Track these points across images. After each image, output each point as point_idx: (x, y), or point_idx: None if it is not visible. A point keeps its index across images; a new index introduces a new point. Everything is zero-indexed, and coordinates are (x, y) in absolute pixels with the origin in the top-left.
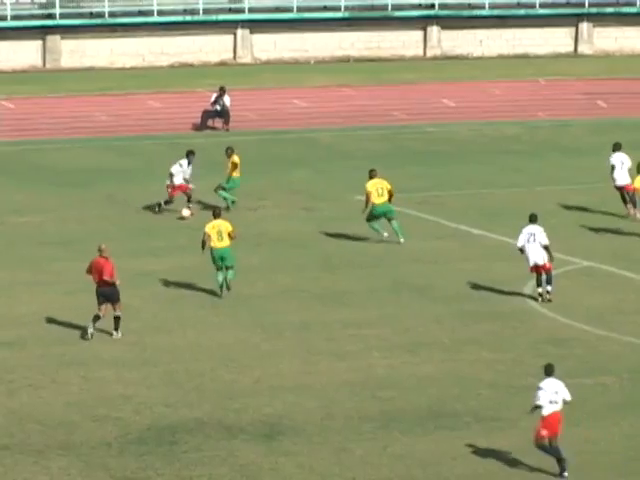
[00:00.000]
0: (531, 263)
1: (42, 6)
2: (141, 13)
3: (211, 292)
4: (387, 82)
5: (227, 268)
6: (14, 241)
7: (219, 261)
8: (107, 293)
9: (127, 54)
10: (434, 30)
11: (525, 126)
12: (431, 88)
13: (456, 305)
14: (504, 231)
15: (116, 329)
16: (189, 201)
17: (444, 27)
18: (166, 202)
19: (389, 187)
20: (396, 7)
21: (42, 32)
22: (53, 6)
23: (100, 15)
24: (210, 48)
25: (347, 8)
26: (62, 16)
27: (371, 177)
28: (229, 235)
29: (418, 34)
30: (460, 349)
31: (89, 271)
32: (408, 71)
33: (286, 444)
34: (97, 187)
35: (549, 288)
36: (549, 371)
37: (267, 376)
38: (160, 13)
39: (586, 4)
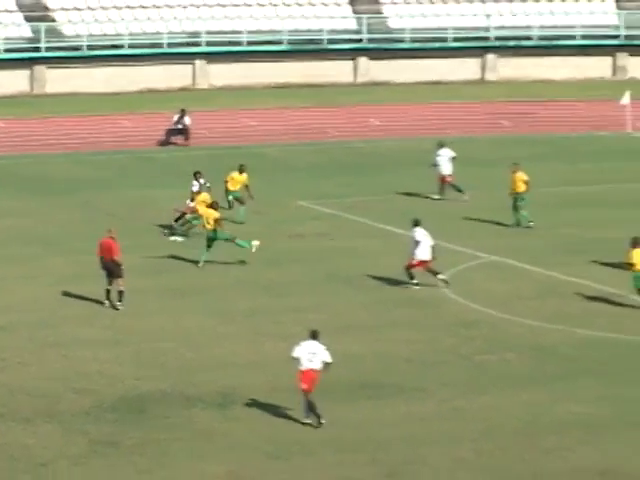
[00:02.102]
0: (421, 258)
1: (30, 41)
2: (114, 46)
3: (174, 284)
4: (323, 104)
5: (226, 240)
6: (3, 241)
7: (207, 240)
8: (112, 269)
9: (102, 81)
10: (363, 60)
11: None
12: (360, 110)
13: (380, 293)
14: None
15: (120, 301)
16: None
17: (371, 58)
18: (176, 220)
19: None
20: (331, 41)
21: (30, 63)
22: (39, 41)
23: (79, 48)
24: (173, 76)
25: (289, 42)
26: (47, 49)
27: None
28: (215, 221)
29: (349, 63)
30: (383, 330)
31: (99, 250)
32: (341, 95)
33: (238, 412)
34: (76, 195)
35: (443, 276)
36: (313, 335)
37: (222, 354)
38: (131, 46)
39: (491, 38)
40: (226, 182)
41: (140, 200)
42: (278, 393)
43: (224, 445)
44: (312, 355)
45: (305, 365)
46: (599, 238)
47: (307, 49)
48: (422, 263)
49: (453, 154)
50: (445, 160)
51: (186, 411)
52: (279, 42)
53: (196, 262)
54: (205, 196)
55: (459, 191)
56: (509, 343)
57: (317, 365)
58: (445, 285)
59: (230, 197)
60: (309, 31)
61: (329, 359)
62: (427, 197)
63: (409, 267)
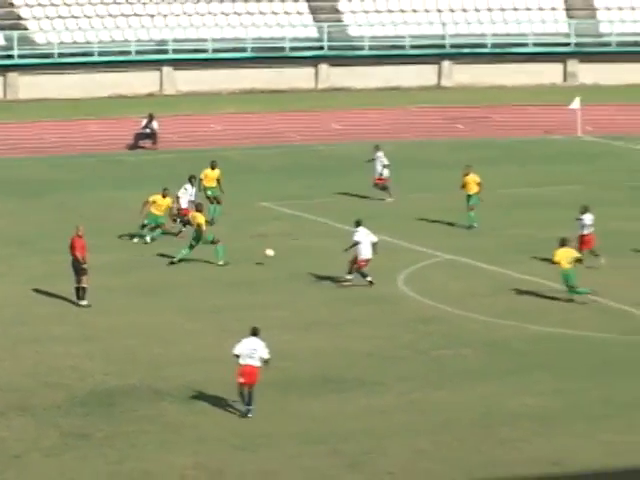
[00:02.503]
0: (364, 257)
1: (3, 48)
2: (84, 54)
3: (143, 282)
4: (285, 110)
5: (212, 243)
6: None
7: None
8: (81, 267)
9: (73, 87)
10: (324, 67)
11: (397, 144)
12: (321, 115)
13: (341, 291)
14: (381, 230)
15: (83, 298)
16: (186, 223)
17: (332, 64)
18: (184, 223)
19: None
20: (293, 48)
21: (3, 70)
22: (12, 48)
23: (51, 55)
24: (141, 82)
25: (252, 49)
26: (20, 57)
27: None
28: (198, 225)
29: (311, 70)
30: (344, 327)
31: (71, 248)
32: (303, 101)
33: (204, 405)
34: (49, 197)
35: (369, 278)
36: (253, 332)
37: (189, 350)
38: (100, 54)
39: (447, 46)
40: (201, 180)
41: (110, 201)
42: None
43: (191, 437)
44: (252, 351)
45: (245, 361)
46: (550, 237)
47: (270, 56)
48: (367, 262)
49: (385, 161)
50: (378, 163)
51: (155, 404)
52: (243, 50)
53: (169, 260)
54: (157, 197)
55: (384, 189)
56: (465, 339)
57: (256, 361)
58: (370, 285)
59: (209, 193)
60: (272, 39)
61: (267, 356)
62: (381, 199)
63: (358, 267)
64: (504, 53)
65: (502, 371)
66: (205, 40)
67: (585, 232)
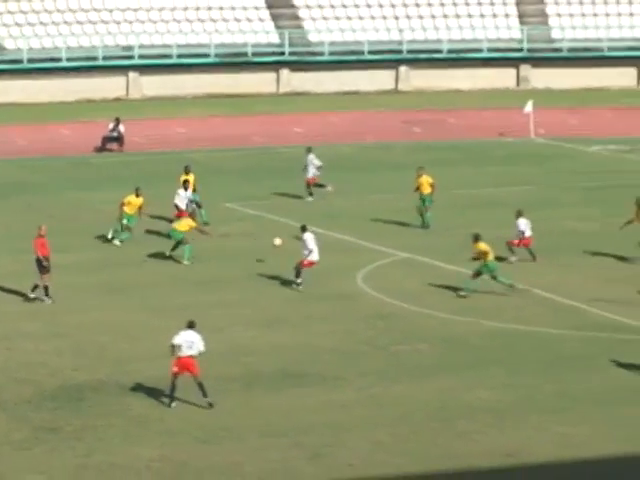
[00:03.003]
0: (312, 259)
1: None
2: (53, 59)
3: (111, 281)
4: (248, 113)
5: (180, 243)
6: None
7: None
8: (42, 265)
9: (42, 92)
10: (285, 72)
11: (356, 147)
12: (283, 118)
13: (303, 288)
14: (340, 230)
15: (47, 295)
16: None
17: (293, 69)
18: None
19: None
20: (254, 54)
21: None
22: None
23: (20, 61)
24: (108, 87)
25: (216, 55)
26: None
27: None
28: (180, 225)
29: (272, 75)
30: (305, 323)
31: (35, 248)
32: (265, 104)
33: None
34: (18, 198)
35: (299, 280)
36: (190, 325)
37: (155, 346)
38: (68, 59)
39: (404, 51)
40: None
41: (78, 203)
42: (207, 382)
43: (157, 431)
44: (191, 343)
45: (184, 352)
46: (504, 236)
47: (232, 62)
48: (311, 264)
49: (318, 162)
50: (311, 166)
51: (122, 399)
52: (207, 55)
53: (136, 260)
54: (132, 197)
55: (321, 186)
56: (422, 334)
57: (194, 352)
58: (297, 288)
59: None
60: (234, 45)
61: (203, 348)
62: (301, 198)
63: (301, 265)
64: (459, 58)
65: (458, 366)
66: (170, 46)
67: (523, 236)
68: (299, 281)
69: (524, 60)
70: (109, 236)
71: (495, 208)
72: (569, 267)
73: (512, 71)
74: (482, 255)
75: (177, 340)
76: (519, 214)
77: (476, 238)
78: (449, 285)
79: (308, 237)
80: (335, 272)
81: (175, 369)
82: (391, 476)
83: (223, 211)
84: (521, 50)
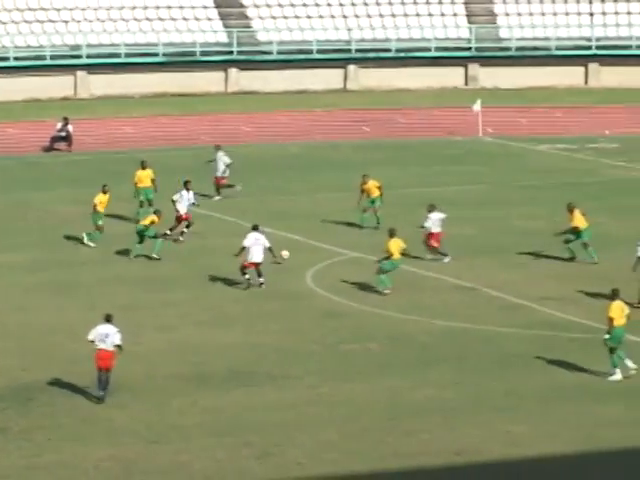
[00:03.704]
0: (251, 260)
1: None
2: (0, 58)
3: (59, 281)
4: (197, 113)
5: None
6: None
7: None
8: None
9: None
10: (233, 71)
11: (304, 146)
12: (231, 117)
13: (251, 288)
14: (290, 229)
15: None
16: (188, 227)
17: (241, 69)
18: (171, 229)
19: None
20: (203, 53)
21: None
22: None
23: None
24: (55, 86)
25: (164, 54)
26: None
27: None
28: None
29: (220, 74)
30: (255, 322)
31: None
32: (213, 104)
33: (119, 399)
34: None
35: (262, 280)
36: (107, 319)
37: None
38: (16, 59)
39: (353, 50)
40: (135, 183)
41: (26, 202)
42: (156, 381)
43: (106, 430)
44: (104, 336)
45: (99, 345)
46: (452, 235)
47: (181, 61)
48: (254, 265)
49: (227, 160)
50: (220, 163)
51: (70, 399)
52: (155, 54)
53: (81, 260)
54: (103, 197)
55: (230, 187)
56: (371, 333)
57: (109, 346)
58: (260, 287)
59: (142, 197)
60: (183, 44)
61: (119, 342)
62: (208, 196)
63: (243, 267)
64: (408, 57)
65: (407, 364)
66: (118, 45)
67: (434, 230)
68: (247, 277)
69: (472, 59)
70: (85, 240)
71: (444, 206)
72: (518, 266)
73: (460, 70)
74: (389, 252)
75: (91, 335)
76: (432, 208)
77: (391, 234)
78: (398, 284)
79: (250, 237)
80: (284, 271)
81: (100, 362)
82: (340, 475)
83: (172, 211)
84: (469, 49)
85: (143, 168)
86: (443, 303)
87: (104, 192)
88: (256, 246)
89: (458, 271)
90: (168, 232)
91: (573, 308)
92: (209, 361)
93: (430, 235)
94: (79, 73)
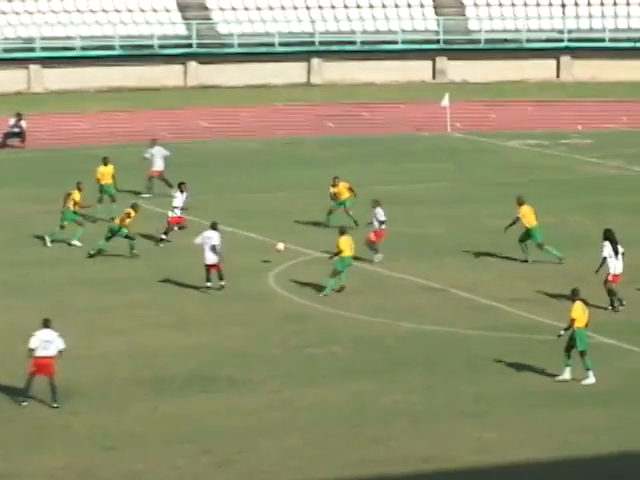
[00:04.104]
0: (206, 262)
1: None
2: None
3: (10, 281)
4: (154, 108)
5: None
6: None
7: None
8: None
9: None
10: (192, 65)
11: (266, 142)
12: (190, 112)
13: (212, 289)
14: (251, 228)
15: None
16: (180, 229)
17: (201, 62)
18: (164, 232)
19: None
20: (161, 46)
21: None
22: None
23: None
24: (8, 80)
25: (121, 47)
26: None
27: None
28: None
29: (179, 68)
30: (216, 325)
31: None
32: (171, 98)
33: (74, 405)
34: None
35: (222, 283)
36: (45, 324)
37: None
38: None
39: (316, 43)
40: (98, 180)
41: None
42: (113, 386)
43: (62, 438)
44: (47, 343)
45: (40, 353)
46: (421, 234)
47: (138, 54)
48: (209, 267)
49: (166, 152)
50: (157, 157)
51: (23, 405)
52: (111, 47)
53: (47, 260)
54: (76, 194)
55: (169, 186)
56: (336, 336)
57: (52, 352)
58: (218, 290)
59: (102, 194)
60: (140, 37)
61: (63, 346)
62: (139, 194)
63: (207, 269)
64: (373, 50)
65: (373, 368)
66: (73, 38)
67: (377, 226)
68: (208, 284)
69: (440, 52)
70: (73, 241)
71: (412, 205)
72: (487, 266)
73: (428, 63)
74: (339, 250)
75: (32, 343)
76: (376, 204)
77: (342, 232)
78: (364, 285)
79: (204, 236)
80: (246, 272)
81: (32, 369)
82: None
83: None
84: (437, 42)
85: (105, 164)
86: (410, 304)
87: (79, 189)
88: (206, 246)
89: (426, 271)
90: (164, 236)
91: (544, 310)
92: (168, 365)
93: (376, 232)
94: (32, 67)
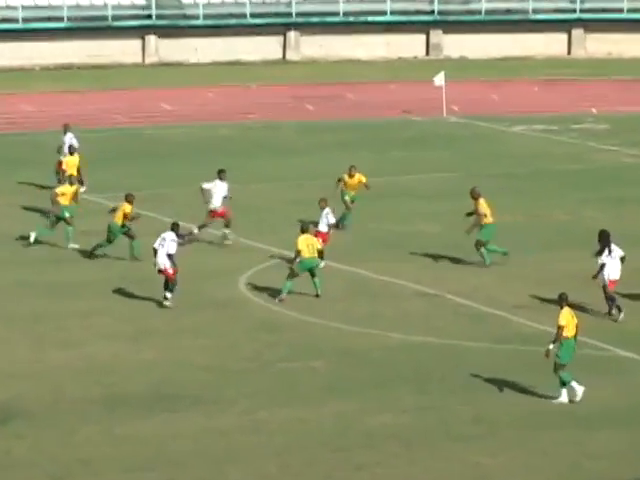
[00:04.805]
0: (159, 267)
1: None
2: None
3: None
4: (109, 88)
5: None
6: None
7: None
8: None
9: None
10: (152, 39)
11: (238, 127)
12: (150, 93)
13: (176, 296)
14: (218, 226)
15: None
16: (227, 226)
17: (161, 36)
18: (200, 226)
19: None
20: (116, 17)
21: None
22: None
23: None
24: None
25: (69, 19)
26: None
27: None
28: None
29: (137, 43)
30: (179, 336)
31: None
32: (128, 77)
33: (17, 428)
34: None
35: (168, 295)
36: None
37: (0, 364)
38: None
39: (293, 14)
40: (62, 170)
41: None
42: (62, 407)
43: (3, 465)
44: None
45: None
46: (412, 232)
47: (90, 26)
48: (159, 272)
49: (76, 143)
50: (66, 148)
51: None
52: (59, 19)
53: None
54: (67, 188)
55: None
56: (316, 349)
57: None
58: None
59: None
60: (92, 7)
61: None
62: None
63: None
64: (358, 22)
65: (359, 386)
66: (14, 8)
67: (326, 230)
68: (168, 295)
69: (435, 24)
70: (69, 245)
71: (400, 199)
72: (488, 268)
73: (421, 37)
74: (296, 253)
75: None
76: (325, 202)
77: (302, 229)
78: (349, 291)
79: (160, 239)
80: (213, 276)
81: None
82: None
83: (80, 204)
84: (431, 12)
85: (71, 154)
86: (401, 312)
87: (70, 184)
88: (161, 249)
89: (418, 275)
90: (195, 231)
91: (552, 318)
92: (124, 382)
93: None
94: None
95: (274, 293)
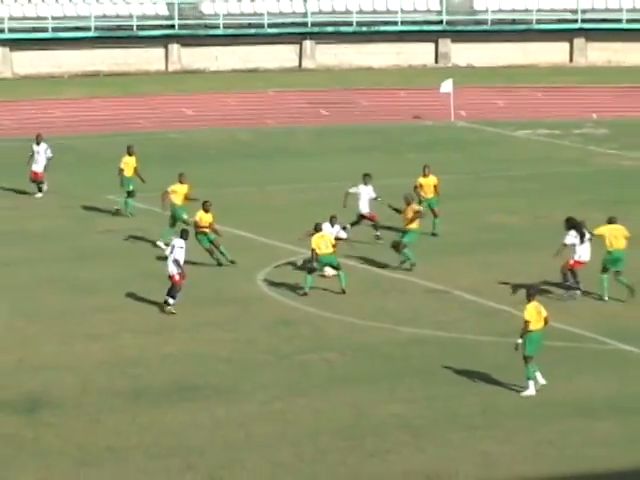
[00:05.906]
0: (168, 273)
1: None
2: None
3: None
4: (133, 94)
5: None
6: None
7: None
8: None
9: None
10: (174, 48)
11: (256, 132)
12: (172, 99)
13: (195, 291)
14: (238, 225)
15: None
16: (376, 229)
17: (183, 45)
18: (374, 226)
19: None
20: (140, 27)
21: None
22: None
23: None
24: None
25: (97, 28)
26: None
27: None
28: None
29: (160, 51)
30: (199, 330)
31: None
32: (152, 84)
33: (46, 416)
34: None
35: (171, 301)
36: None
37: (29, 357)
38: None
39: (309, 24)
40: (122, 170)
41: None
42: (88, 397)
43: (32, 452)
44: None
45: None
46: (422, 232)
47: (116, 36)
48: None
49: (50, 153)
50: (41, 157)
51: None
52: (86, 28)
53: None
54: (179, 187)
55: (39, 190)
56: (331, 342)
57: None
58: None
59: (130, 187)
60: (118, 17)
61: None
62: (30, 194)
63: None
64: (371, 32)
65: (371, 377)
66: (45, 18)
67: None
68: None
69: (443, 34)
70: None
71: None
72: (494, 266)
73: (430, 46)
74: (312, 250)
75: None
76: (334, 219)
77: (316, 228)
78: (363, 287)
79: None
80: (232, 273)
81: None
82: None
83: (105, 204)
84: (440, 23)
85: (129, 154)
86: (411, 308)
87: (181, 182)
88: (171, 256)
89: (428, 272)
90: (348, 226)
91: (557, 313)
92: (148, 374)
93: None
94: (0, 49)
95: (291, 289)
